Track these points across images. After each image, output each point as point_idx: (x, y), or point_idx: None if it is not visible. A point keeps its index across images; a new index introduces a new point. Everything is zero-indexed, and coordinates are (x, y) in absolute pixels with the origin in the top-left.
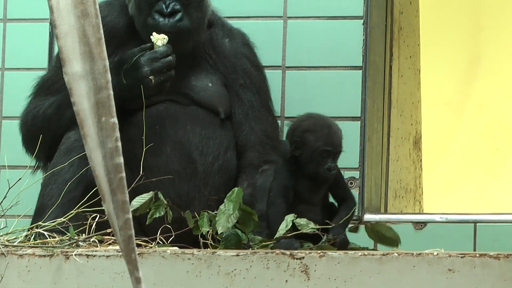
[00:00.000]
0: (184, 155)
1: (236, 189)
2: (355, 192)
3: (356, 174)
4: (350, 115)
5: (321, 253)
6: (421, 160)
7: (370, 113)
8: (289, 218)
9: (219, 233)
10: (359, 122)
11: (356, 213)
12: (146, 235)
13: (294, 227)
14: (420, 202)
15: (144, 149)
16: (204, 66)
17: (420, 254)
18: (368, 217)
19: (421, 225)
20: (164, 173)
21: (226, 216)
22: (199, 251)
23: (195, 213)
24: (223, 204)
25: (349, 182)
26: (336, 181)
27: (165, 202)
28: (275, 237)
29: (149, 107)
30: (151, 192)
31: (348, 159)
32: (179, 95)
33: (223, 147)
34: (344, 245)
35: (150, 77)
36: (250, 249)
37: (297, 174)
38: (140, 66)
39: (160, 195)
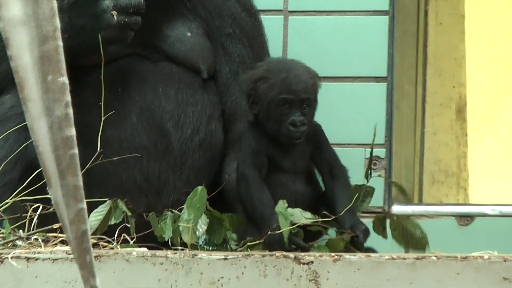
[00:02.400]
0: (154, 126)
1: (199, 188)
2: (379, 177)
3: (382, 152)
4: (373, 75)
5: (336, 256)
6: (466, 134)
7: (399, 72)
8: (280, 206)
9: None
10: (385, 84)
11: (380, 204)
12: (106, 233)
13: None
14: (465, 190)
15: (103, 118)
16: (180, 10)
17: (465, 257)
18: (397, 209)
19: (467, 220)
20: (128, 150)
21: (188, 227)
22: (175, 253)
23: (169, 201)
24: (183, 211)
25: (372, 162)
26: (317, 143)
27: (126, 211)
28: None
29: (109, 63)
30: (108, 201)
31: (370, 133)
32: (148, 47)
33: (206, 116)
34: (366, 237)
35: (112, 12)
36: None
37: (267, 137)
38: None
39: (121, 204)
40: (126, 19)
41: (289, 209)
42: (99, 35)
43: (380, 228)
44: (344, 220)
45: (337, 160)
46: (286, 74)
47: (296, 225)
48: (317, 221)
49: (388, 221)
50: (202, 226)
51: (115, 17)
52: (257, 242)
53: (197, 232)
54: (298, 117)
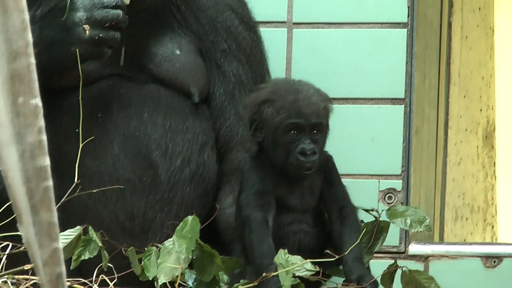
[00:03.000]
0: (139, 157)
1: (190, 218)
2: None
3: (398, 184)
4: (389, 96)
5: None
6: (494, 163)
7: (419, 92)
8: (281, 257)
9: (159, 283)
10: (403, 106)
11: (396, 243)
12: (83, 275)
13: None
14: (493, 227)
15: (81, 147)
16: (169, 23)
17: None
18: (415, 248)
19: (495, 261)
20: (109, 183)
21: (173, 258)
22: None
23: (156, 241)
24: (168, 241)
25: (386, 196)
26: (328, 177)
27: (98, 242)
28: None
29: (88, 85)
30: (78, 227)
31: (385, 162)
32: (132, 67)
33: (197, 144)
34: None
35: (84, 26)
36: None
37: (273, 171)
38: (74, 9)
39: (91, 231)
40: (101, 35)
41: (290, 257)
42: (74, 51)
43: (387, 282)
44: (350, 270)
45: (348, 199)
46: (295, 96)
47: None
48: (319, 271)
49: (399, 273)
50: (183, 261)
51: (87, 32)
52: (251, 285)
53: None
54: (308, 145)
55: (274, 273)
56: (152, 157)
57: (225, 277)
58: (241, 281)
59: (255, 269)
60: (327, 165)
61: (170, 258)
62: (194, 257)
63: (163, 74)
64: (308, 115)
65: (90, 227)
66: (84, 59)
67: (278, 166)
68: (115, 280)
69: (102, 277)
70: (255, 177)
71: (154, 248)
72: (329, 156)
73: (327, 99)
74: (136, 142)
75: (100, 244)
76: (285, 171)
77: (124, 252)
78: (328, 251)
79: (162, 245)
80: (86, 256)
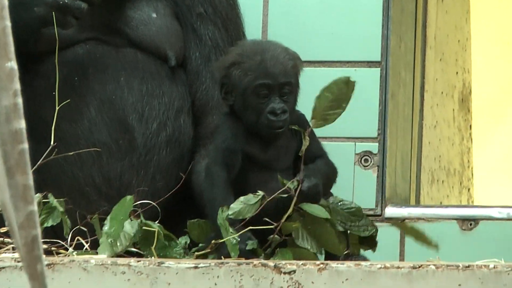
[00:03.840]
0: (115, 121)
1: (127, 198)
2: (371, 174)
3: (374, 147)
4: (365, 59)
5: (321, 265)
6: (470, 126)
7: (395, 56)
8: (220, 217)
9: (101, 256)
10: (379, 69)
11: (372, 206)
12: (58, 237)
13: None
14: (469, 190)
15: (57, 110)
16: None
17: (468, 267)
18: (391, 211)
19: (471, 224)
20: (86, 147)
21: (108, 240)
22: (138, 261)
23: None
24: (106, 222)
25: (363, 158)
26: (302, 134)
27: (59, 208)
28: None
29: (64, 49)
30: (37, 194)
31: (361, 125)
32: (108, 31)
33: (173, 109)
34: (314, 194)
35: None
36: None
37: (246, 131)
38: None
39: (51, 198)
40: (67, 1)
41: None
42: (37, 12)
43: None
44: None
45: (324, 153)
46: (262, 56)
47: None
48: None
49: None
50: (123, 240)
51: None
52: (204, 252)
53: (116, 247)
54: (278, 104)
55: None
56: (128, 121)
57: (183, 241)
58: (200, 245)
59: (215, 227)
60: (301, 124)
61: (107, 240)
62: (133, 236)
63: (139, 37)
64: (276, 74)
65: (50, 195)
66: (46, 24)
67: (250, 127)
68: (88, 243)
69: (77, 239)
70: (227, 133)
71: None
72: (301, 115)
73: (295, 58)
74: (113, 106)
75: (61, 210)
76: (258, 131)
77: (89, 220)
78: (266, 219)
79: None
80: (49, 223)
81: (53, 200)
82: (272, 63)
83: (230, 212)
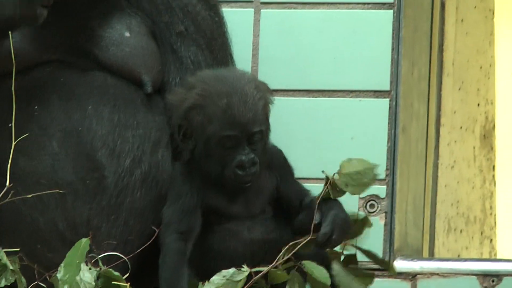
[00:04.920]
0: (82, 156)
1: (83, 241)
2: (378, 221)
3: (382, 190)
4: (372, 88)
5: None
6: (494, 167)
7: (407, 84)
8: None
9: None
10: (387, 100)
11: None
12: None
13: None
14: (491, 241)
15: (13, 144)
16: (116, 2)
17: None
18: (401, 264)
19: (493, 280)
20: (47, 187)
21: None
22: None
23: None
24: (59, 269)
25: (368, 203)
26: (281, 173)
27: (9, 266)
28: None
29: (23, 72)
30: None
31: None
32: (74, 52)
33: (150, 142)
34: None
35: None
36: None
37: (207, 181)
38: None
39: (1, 254)
40: None
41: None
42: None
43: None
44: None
45: (306, 191)
46: (228, 100)
47: None
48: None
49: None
50: None
51: None
52: None
53: None
54: (246, 156)
55: None
56: (97, 157)
57: None
58: None
59: None
60: (278, 161)
61: None
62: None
63: (110, 60)
64: (245, 124)
65: (0, 250)
66: (15, 23)
67: (213, 179)
68: None
69: None
70: (183, 189)
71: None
72: (277, 152)
73: (265, 94)
74: (79, 139)
75: (10, 268)
76: (222, 184)
77: (48, 279)
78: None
79: None
80: (2, 283)
81: (4, 257)
82: (241, 109)
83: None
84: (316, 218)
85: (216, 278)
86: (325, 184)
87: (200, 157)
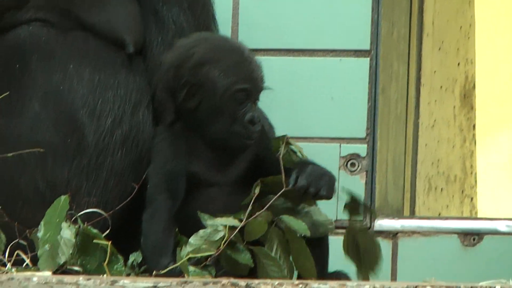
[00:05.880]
0: (62, 116)
1: (61, 198)
2: (358, 180)
3: (362, 149)
4: (352, 48)
5: (300, 285)
6: (474, 126)
7: (387, 44)
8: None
9: (43, 272)
10: (367, 59)
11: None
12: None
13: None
14: (472, 199)
15: None
16: None
17: None
18: (382, 223)
19: (474, 239)
20: (28, 147)
21: (50, 247)
22: (88, 279)
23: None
24: (40, 227)
25: (349, 162)
26: (261, 145)
27: None
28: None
29: (3, 31)
30: None
31: (347, 124)
32: (56, 12)
33: (131, 102)
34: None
35: None
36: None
37: (191, 144)
38: None
39: None
40: None
41: (191, 240)
42: None
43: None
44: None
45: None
46: (239, 55)
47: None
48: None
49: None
50: (64, 249)
51: None
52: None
53: (57, 257)
54: (255, 113)
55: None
56: (77, 117)
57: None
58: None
59: (148, 263)
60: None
61: (46, 250)
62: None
63: (92, 20)
64: (257, 79)
65: None
66: None
67: (213, 137)
68: (29, 258)
69: (16, 253)
70: (168, 153)
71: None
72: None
73: None
74: (59, 99)
75: None
76: (224, 141)
77: (28, 235)
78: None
79: None
80: None
81: None
82: (253, 65)
83: (189, 249)
84: (290, 181)
85: (194, 239)
86: (283, 144)
87: (207, 114)
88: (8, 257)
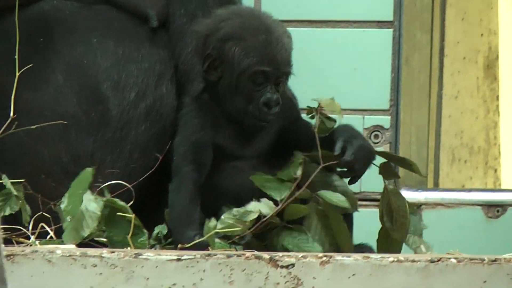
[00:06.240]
0: (86, 89)
1: (87, 170)
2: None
3: (386, 120)
4: (375, 19)
5: (324, 258)
6: (497, 97)
7: (409, 14)
8: (211, 224)
9: (66, 245)
10: (391, 30)
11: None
12: (18, 223)
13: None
14: (495, 171)
15: (17, 76)
16: None
17: (495, 260)
18: (405, 195)
19: (498, 210)
20: (51, 119)
21: (75, 220)
22: (112, 252)
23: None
24: (63, 199)
25: (372, 134)
26: (288, 118)
27: (15, 193)
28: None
29: (26, 5)
30: None
31: (371, 95)
32: None
33: (154, 75)
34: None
35: None
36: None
37: (217, 116)
38: None
39: (5, 180)
40: None
41: (223, 218)
42: None
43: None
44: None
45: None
46: (267, 36)
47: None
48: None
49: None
50: (89, 221)
51: None
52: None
53: (82, 230)
54: (273, 95)
55: (197, 241)
56: (101, 90)
57: (156, 231)
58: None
59: (173, 235)
60: (285, 101)
61: (71, 222)
62: (99, 215)
63: None
64: (280, 62)
65: (4, 177)
66: None
67: (231, 113)
68: (53, 231)
69: (41, 226)
70: (195, 123)
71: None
72: (293, 99)
73: (291, 39)
74: (83, 72)
75: (15, 193)
76: (240, 119)
77: (53, 207)
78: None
79: None
80: (7, 211)
81: (8, 184)
82: (278, 48)
83: (219, 226)
84: (337, 147)
85: (226, 217)
86: (317, 114)
87: (225, 90)
88: (31, 229)
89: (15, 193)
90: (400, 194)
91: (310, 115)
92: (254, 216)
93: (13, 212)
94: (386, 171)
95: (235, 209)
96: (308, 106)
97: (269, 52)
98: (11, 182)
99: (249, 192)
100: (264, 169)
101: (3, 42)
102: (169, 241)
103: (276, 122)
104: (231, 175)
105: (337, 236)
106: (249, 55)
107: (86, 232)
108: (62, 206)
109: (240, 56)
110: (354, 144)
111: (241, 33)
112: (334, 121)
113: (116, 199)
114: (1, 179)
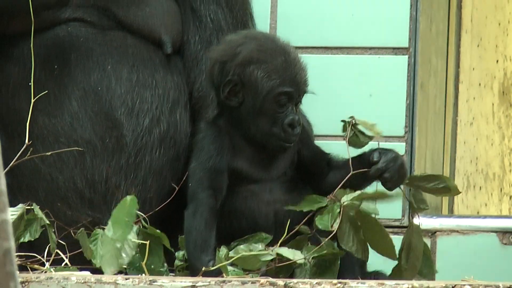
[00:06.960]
0: (101, 115)
1: (128, 198)
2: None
3: (400, 147)
4: (391, 45)
5: (339, 284)
6: None
7: (425, 41)
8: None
9: (84, 272)
10: (406, 56)
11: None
12: (35, 250)
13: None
14: (510, 197)
15: (32, 102)
16: None
17: (510, 287)
18: (420, 222)
19: None
20: (67, 145)
21: (113, 248)
22: (126, 279)
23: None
24: (108, 227)
25: None
26: (304, 142)
27: (44, 221)
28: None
29: (42, 31)
30: (20, 205)
31: (386, 122)
32: (94, 11)
33: (168, 102)
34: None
35: None
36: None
37: (234, 141)
38: None
39: (36, 208)
40: None
41: (239, 246)
42: None
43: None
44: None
45: (329, 154)
46: (286, 58)
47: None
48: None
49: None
50: (128, 250)
51: None
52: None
53: (121, 258)
54: (296, 116)
55: (212, 268)
56: (116, 116)
57: (180, 254)
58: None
59: (189, 260)
60: (304, 130)
61: (109, 248)
62: (137, 244)
63: (130, 19)
64: (300, 83)
65: (34, 205)
66: None
67: (254, 136)
68: (68, 258)
69: (56, 252)
70: (211, 149)
71: (101, 231)
72: (305, 120)
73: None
74: (98, 98)
75: (47, 222)
76: (264, 141)
77: (73, 235)
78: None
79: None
80: (26, 238)
81: (38, 211)
82: (297, 68)
83: (233, 254)
84: (374, 156)
85: (243, 248)
86: (349, 126)
87: (249, 114)
88: (46, 256)
89: (47, 222)
90: (421, 235)
91: (344, 126)
92: (269, 258)
93: (32, 239)
94: (416, 201)
95: (254, 244)
96: (342, 120)
97: (290, 73)
98: (32, 209)
99: (266, 215)
100: (280, 193)
101: (19, 67)
102: (186, 265)
103: (293, 147)
104: (247, 199)
105: (377, 243)
106: (272, 77)
107: (125, 260)
108: (108, 233)
109: (263, 79)
110: (389, 155)
111: (260, 56)
112: (369, 137)
113: (152, 227)
114: (30, 206)
